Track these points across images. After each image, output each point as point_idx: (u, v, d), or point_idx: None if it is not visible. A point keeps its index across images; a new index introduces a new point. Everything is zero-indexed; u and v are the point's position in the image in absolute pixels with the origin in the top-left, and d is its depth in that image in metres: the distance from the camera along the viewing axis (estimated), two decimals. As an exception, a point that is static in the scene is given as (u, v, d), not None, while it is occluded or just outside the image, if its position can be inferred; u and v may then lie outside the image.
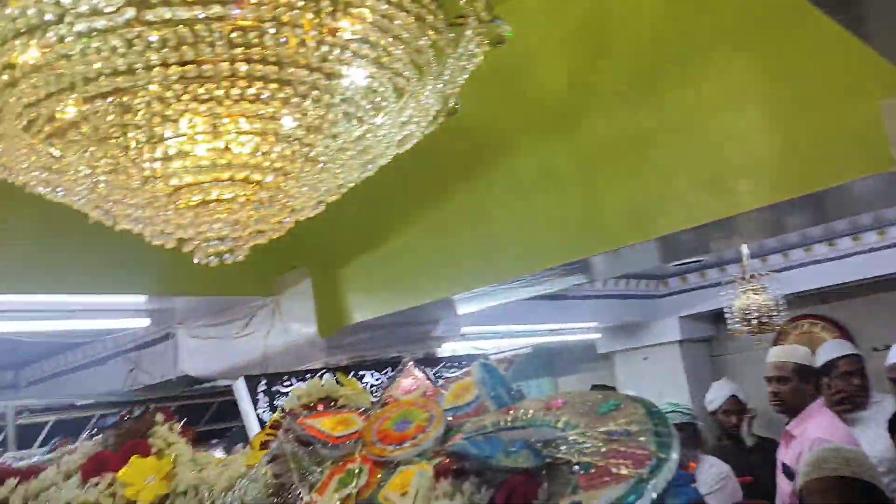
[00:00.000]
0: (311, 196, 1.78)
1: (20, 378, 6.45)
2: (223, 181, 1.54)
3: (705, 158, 2.37)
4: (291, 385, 3.52)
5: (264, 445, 1.69)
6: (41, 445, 3.82)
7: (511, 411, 1.13)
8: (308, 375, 3.62)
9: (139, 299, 3.50)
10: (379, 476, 1.38)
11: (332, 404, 1.73)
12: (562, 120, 2.68)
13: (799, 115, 2.17)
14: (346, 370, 3.74)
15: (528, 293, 3.93)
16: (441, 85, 1.55)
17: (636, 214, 2.56)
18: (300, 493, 1.48)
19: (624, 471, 0.93)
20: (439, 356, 4.36)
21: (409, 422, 1.49)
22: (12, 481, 1.84)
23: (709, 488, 4.27)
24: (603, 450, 1.02)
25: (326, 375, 3.67)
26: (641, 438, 0.99)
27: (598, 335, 7.09)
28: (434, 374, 4.06)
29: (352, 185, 1.81)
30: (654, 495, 0.90)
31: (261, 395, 3.41)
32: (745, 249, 4.43)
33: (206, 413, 4.67)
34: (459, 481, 1.08)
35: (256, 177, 1.57)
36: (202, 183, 1.54)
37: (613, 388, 6.91)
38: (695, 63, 2.38)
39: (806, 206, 2.58)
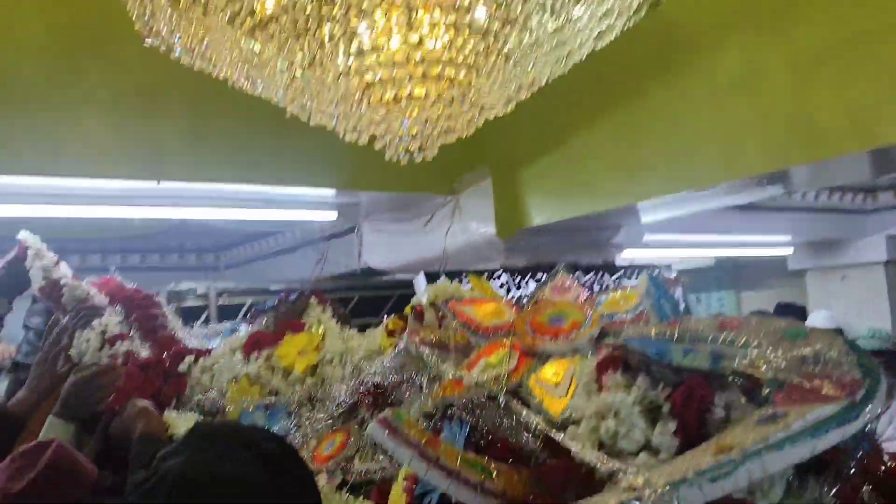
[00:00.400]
0: (502, 94, 1.72)
1: (221, 262, 7.01)
2: (416, 77, 1.51)
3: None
4: (469, 283, 3.56)
5: (391, 333, 1.76)
6: (239, 324, 4.16)
7: (678, 325, 1.05)
8: (485, 275, 3.65)
9: (328, 193, 3.63)
10: (529, 365, 1.36)
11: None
12: (774, 16, 2.41)
13: None
14: (522, 272, 3.73)
15: (721, 203, 3.70)
16: (652, -30, 1.42)
17: (853, 121, 2.28)
18: (420, 383, 1.52)
19: (830, 392, 0.87)
20: (618, 264, 4.25)
21: (564, 319, 1.46)
22: (190, 357, 2.05)
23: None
24: (797, 370, 0.96)
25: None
26: (844, 367, 0.92)
27: (791, 250, 6.62)
28: (614, 280, 3.96)
29: (543, 83, 1.72)
30: (867, 422, 0.86)
31: (439, 292, 3.48)
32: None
33: (386, 305, 4.85)
34: (628, 376, 1.02)
35: (449, 73, 1.52)
36: (395, 78, 1.52)
37: (803, 308, 6.53)
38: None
39: None
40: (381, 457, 1.41)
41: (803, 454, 0.79)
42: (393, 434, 1.08)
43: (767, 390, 0.94)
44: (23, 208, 3.18)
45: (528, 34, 1.61)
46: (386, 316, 2.00)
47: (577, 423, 1.06)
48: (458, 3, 1.48)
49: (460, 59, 1.55)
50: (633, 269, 4.18)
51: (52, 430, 1.77)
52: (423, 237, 4.00)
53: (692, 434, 0.92)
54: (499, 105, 1.76)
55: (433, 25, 1.50)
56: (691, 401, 0.92)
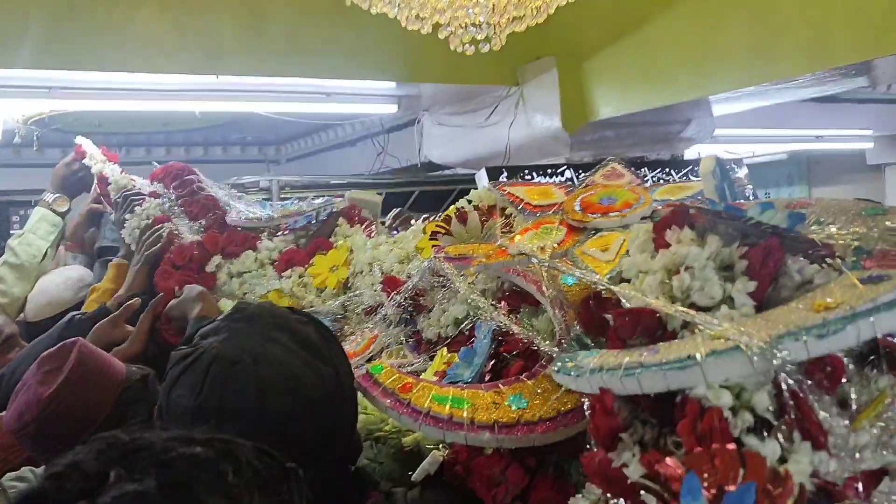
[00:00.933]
0: (575, -23, 1.60)
1: (281, 154, 7.03)
2: (483, -40, 1.41)
3: None
4: (532, 179, 3.49)
5: (433, 236, 1.69)
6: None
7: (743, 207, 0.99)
8: (549, 170, 3.56)
9: (388, 85, 3.54)
10: (576, 239, 1.33)
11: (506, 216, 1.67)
12: None
13: None
14: (587, 168, 3.62)
15: (801, 95, 3.48)
16: None
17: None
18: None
19: None
20: (687, 159, 4.10)
21: (616, 199, 1.42)
22: (217, 258, 2.04)
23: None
24: (886, 239, 0.93)
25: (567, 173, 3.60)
26: None
27: (871, 144, 6.31)
28: (680, 177, 3.84)
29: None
30: None
31: (502, 188, 3.42)
32: None
33: (447, 199, 4.82)
34: (694, 233, 0.96)
35: (519, -45, 1.42)
36: (460, -38, 1.42)
37: (880, 204, 6.26)
38: None
39: None
40: (407, 353, 1.46)
41: None
42: (372, 386, 1.13)
43: (854, 258, 0.90)
44: (86, 103, 3.20)
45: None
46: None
47: (627, 281, 1.02)
48: None
49: (531, -61, 1.43)
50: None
51: None
52: (486, 130, 3.90)
53: (764, 297, 0.88)
54: (571, -12, 1.64)
55: None
56: (769, 260, 0.88)
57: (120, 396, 1.46)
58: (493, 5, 1.53)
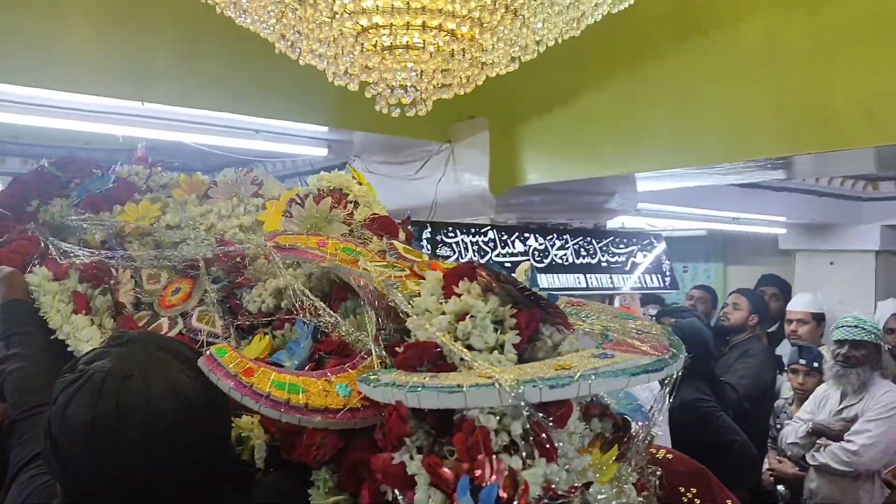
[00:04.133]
0: (506, 52, 1.62)
1: (209, 183, 6.87)
2: (414, 26, 1.41)
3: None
4: (455, 237, 3.49)
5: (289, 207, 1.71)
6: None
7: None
8: (473, 230, 3.57)
9: (320, 129, 3.51)
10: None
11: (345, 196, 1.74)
12: (803, -9, 2.30)
13: None
14: (511, 230, 3.65)
15: (720, 181, 3.60)
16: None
17: (872, 112, 2.19)
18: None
19: (647, 349, 1.16)
20: (609, 230, 4.18)
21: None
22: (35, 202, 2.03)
23: (876, 414, 3.97)
24: (625, 333, 1.25)
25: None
26: (661, 339, 1.22)
27: (784, 230, 6.58)
28: (601, 247, 3.89)
29: (552, 43, 1.62)
30: (674, 374, 1.15)
31: (424, 242, 3.41)
32: None
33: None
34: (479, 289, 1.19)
35: (451, 25, 1.42)
36: (392, 25, 1.41)
37: (786, 282, 6.57)
38: None
39: None
40: (218, 320, 1.62)
41: (621, 385, 1.06)
42: (216, 368, 1.22)
43: (599, 342, 1.22)
44: (3, 115, 3.06)
45: (540, -10, 1.51)
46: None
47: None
48: (467, -50, 1.37)
49: (464, 11, 1.44)
50: (623, 236, 4.12)
51: None
52: (414, 183, 3.90)
53: (524, 351, 1.15)
54: (501, 63, 1.66)
55: (439, -28, 1.38)
56: (531, 322, 1.14)
57: None
58: (422, 71, 1.52)
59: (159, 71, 2.80)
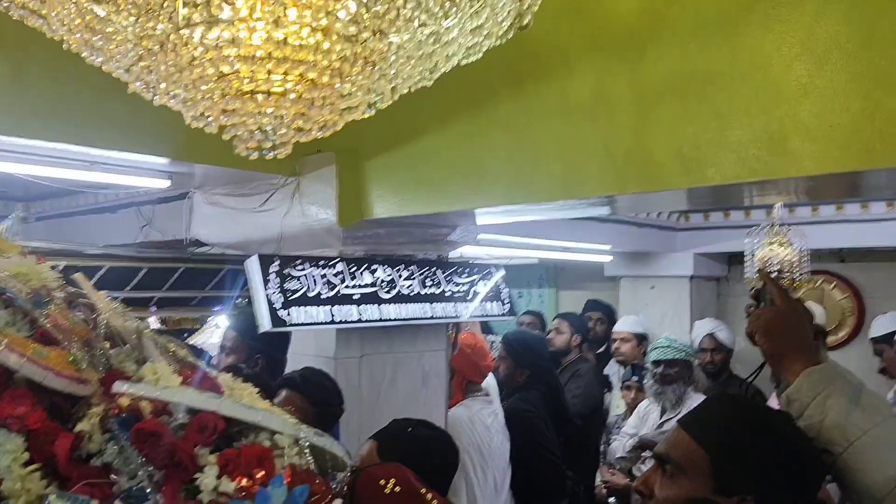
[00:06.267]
0: (363, 100, 1.68)
1: (31, 212, 6.43)
2: (276, 74, 1.45)
3: (772, 112, 2.23)
4: (304, 269, 3.50)
5: None
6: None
7: None
8: (322, 262, 3.60)
9: (161, 160, 3.41)
10: None
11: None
12: (626, 47, 2.52)
13: (885, 80, 2.01)
14: (359, 262, 3.71)
15: (554, 216, 3.85)
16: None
17: (687, 159, 2.44)
18: None
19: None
20: (451, 260, 4.33)
21: None
22: None
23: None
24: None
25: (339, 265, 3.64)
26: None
27: (610, 258, 7.05)
28: (445, 277, 4.02)
29: (405, 91, 1.71)
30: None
31: (272, 276, 3.39)
32: (779, 203, 4.30)
33: (213, 279, 4.67)
34: None
35: (311, 75, 1.47)
36: (254, 72, 1.44)
37: (609, 306, 7.12)
38: (777, 6, 2.21)
39: (880, 178, 2.44)
40: None
41: None
42: None
43: None
44: None
45: (397, 44, 1.59)
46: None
47: None
48: (329, 6, 1.43)
49: (325, 62, 1.50)
50: (465, 266, 4.28)
51: None
52: (259, 216, 3.87)
53: None
54: (358, 110, 1.72)
55: (301, 25, 1.44)
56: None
57: None
58: (282, 116, 1.57)
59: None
